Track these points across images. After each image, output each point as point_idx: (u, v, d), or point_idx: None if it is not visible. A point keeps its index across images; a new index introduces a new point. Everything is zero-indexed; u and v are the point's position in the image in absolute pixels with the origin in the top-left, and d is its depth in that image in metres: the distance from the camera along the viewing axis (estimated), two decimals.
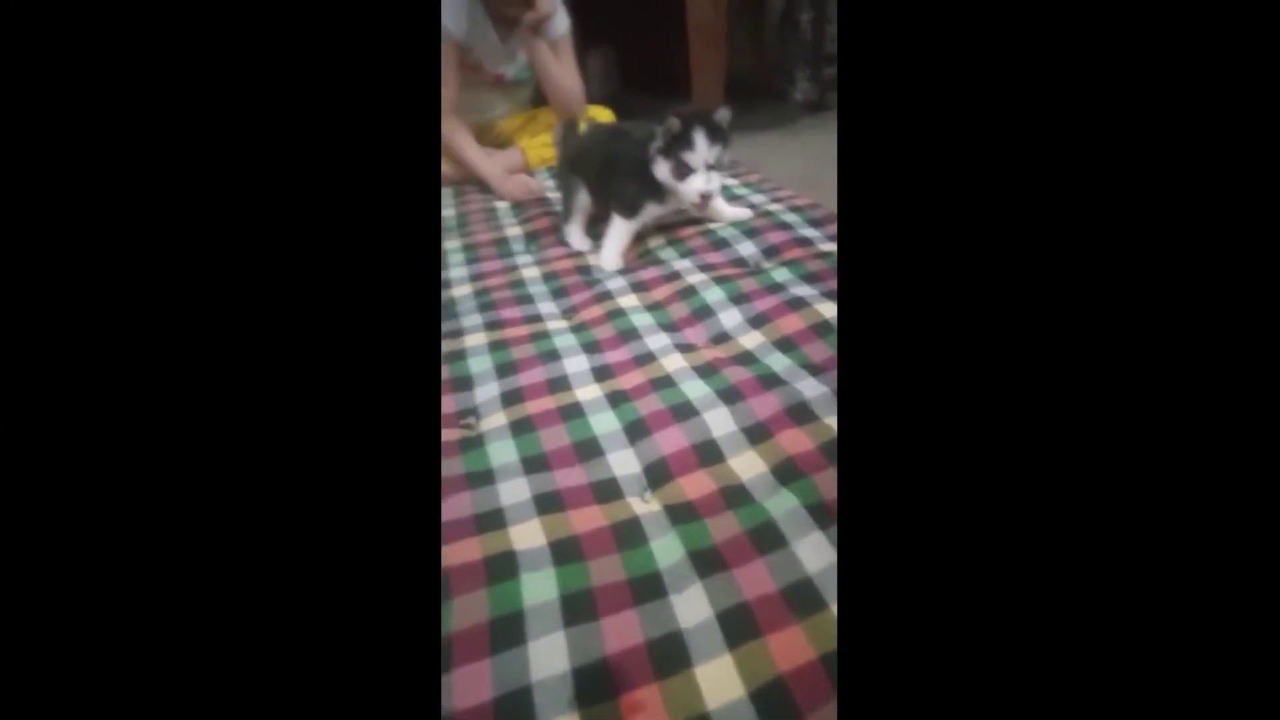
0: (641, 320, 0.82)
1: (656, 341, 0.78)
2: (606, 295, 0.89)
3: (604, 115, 1.52)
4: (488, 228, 1.19)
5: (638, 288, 0.90)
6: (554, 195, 1.20)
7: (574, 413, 0.67)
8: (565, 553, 0.52)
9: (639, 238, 1.05)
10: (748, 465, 0.59)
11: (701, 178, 0.91)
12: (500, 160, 1.43)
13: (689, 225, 1.06)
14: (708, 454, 0.61)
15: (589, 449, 0.63)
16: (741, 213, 1.06)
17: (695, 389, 0.68)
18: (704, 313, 0.82)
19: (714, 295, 0.85)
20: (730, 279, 0.87)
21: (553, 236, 1.12)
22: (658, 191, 0.96)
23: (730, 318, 0.80)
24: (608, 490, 0.59)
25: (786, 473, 0.58)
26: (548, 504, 0.57)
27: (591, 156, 1.05)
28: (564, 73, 1.43)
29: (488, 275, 1.01)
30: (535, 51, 1.37)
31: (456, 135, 1.36)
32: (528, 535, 0.54)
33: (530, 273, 1.00)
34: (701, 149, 0.89)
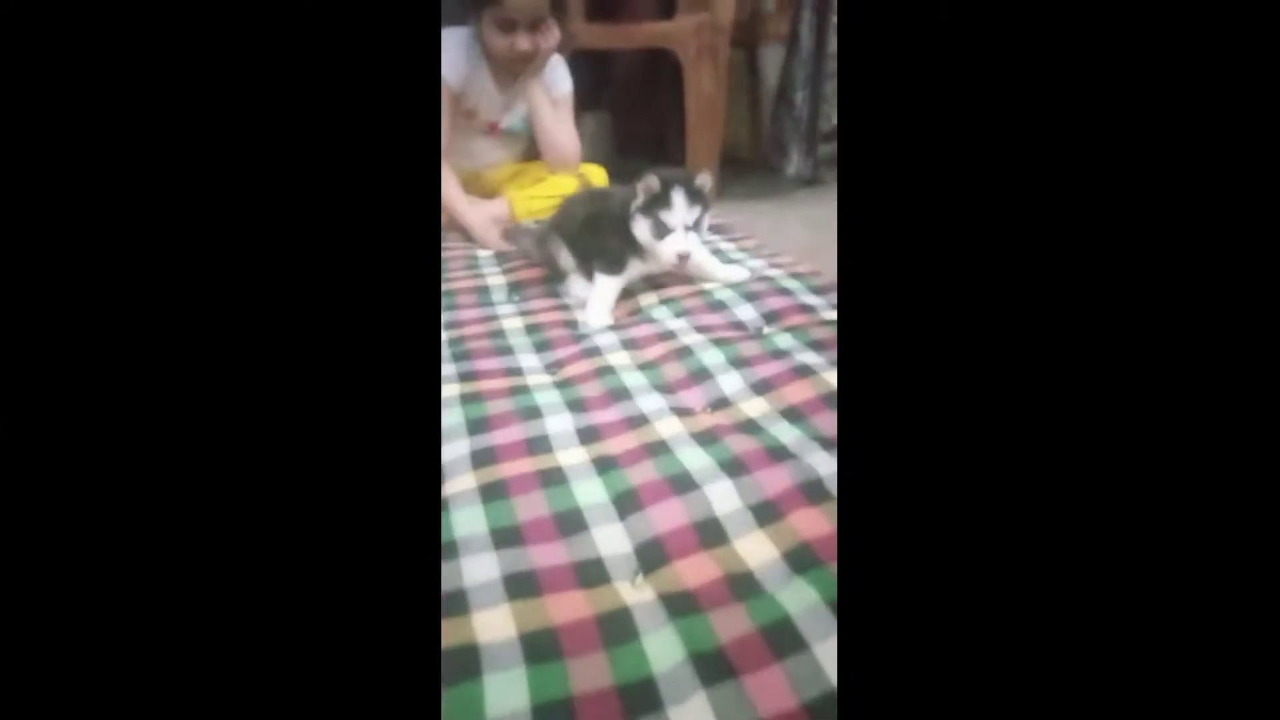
0: (633, 380, 0.75)
1: (650, 403, 0.70)
2: (594, 351, 0.82)
3: (597, 174, 1.50)
4: (467, 275, 1.13)
5: (629, 345, 0.84)
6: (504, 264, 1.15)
7: (555, 479, 0.59)
8: (540, 649, 0.43)
9: (629, 294, 1.00)
10: (756, 549, 0.51)
11: (680, 238, 0.89)
12: (485, 209, 1.38)
13: (683, 284, 1.01)
14: (710, 534, 0.52)
15: (572, 522, 0.54)
16: (737, 273, 1.02)
17: (694, 458, 0.60)
18: (702, 375, 0.76)
19: (712, 357, 0.78)
20: (729, 341, 0.81)
21: (538, 288, 1.05)
22: (639, 249, 0.94)
23: (731, 382, 0.74)
24: (593, 572, 0.50)
25: (801, 560, 0.50)
26: (521, 586, 0.48)
27: (572, 217, 1.04)
28: (561, 129, 1.41)
29: (464, 324, 0.94)
30: (535, 103, 1.35)
31: (443, 181, 1.32)
32: (495, 625, 0.45)
33: (511, 323, 0.93)
34: (680, 209, 0.88)
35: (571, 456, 0.62)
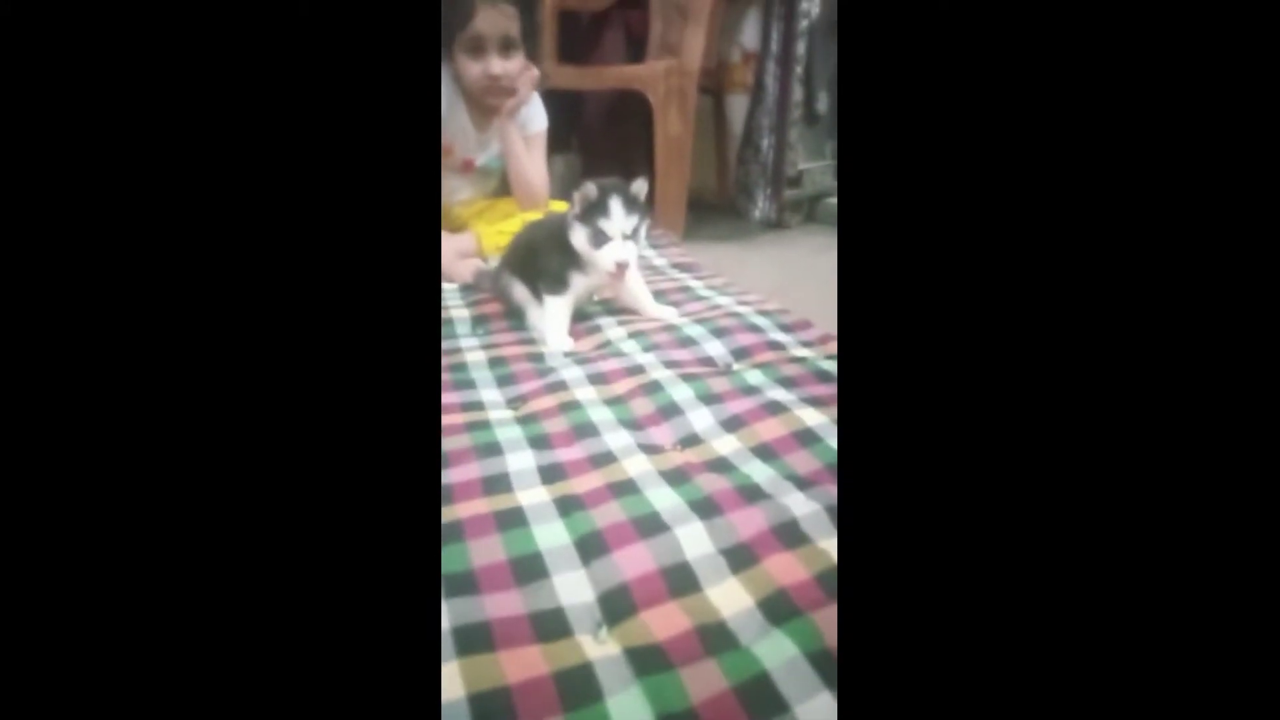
0: (600, 415, 0.72)
1: (617, 439, 0.67)
2: (560, 385, 0.79)
3: (564, 211, 1.49)
4: None
5: (596, 379, 0.80)
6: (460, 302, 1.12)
7: (514, 520, 0.55)
8: (491, 711, 0.38)
9: (596, 329, 0.97)
10: (730, 598, 0.48)
11: (618, 246, 0.88)
12: (453, 244, 1.35)
13: (650, 321, 0.99)
14: (680, 581, 0.49)
15: (530, 568, 0.50)
16: (669, 312, 1.01)
17: (663, 498, 0.57)
18: (671, 410, 0.73)
19: (682, 393, 0.75)
20: (698, 377, 0.79)
21: (503, 321, 1.02)
22: (580, 261, 0.93)
23: (701, 418, 0.71)
24: (552, 624, 0.45)
25: (779, 609, 0.46)
26: (472, 640, 0.43)
27: (518, 250, 1.04)
28: (533, 166, 1.41)
29: None
30: (509, 140, 1.34)
31: None
32: (444, 684, 0.40)
33: (474, 356, 0.90)
34: (618, 216, 0.87)
35: (532, 496, 0.58)
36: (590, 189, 0.87)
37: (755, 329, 0.94)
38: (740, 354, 0.88)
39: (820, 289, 1.40)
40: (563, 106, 1.86)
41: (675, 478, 0.60)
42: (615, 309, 1.05)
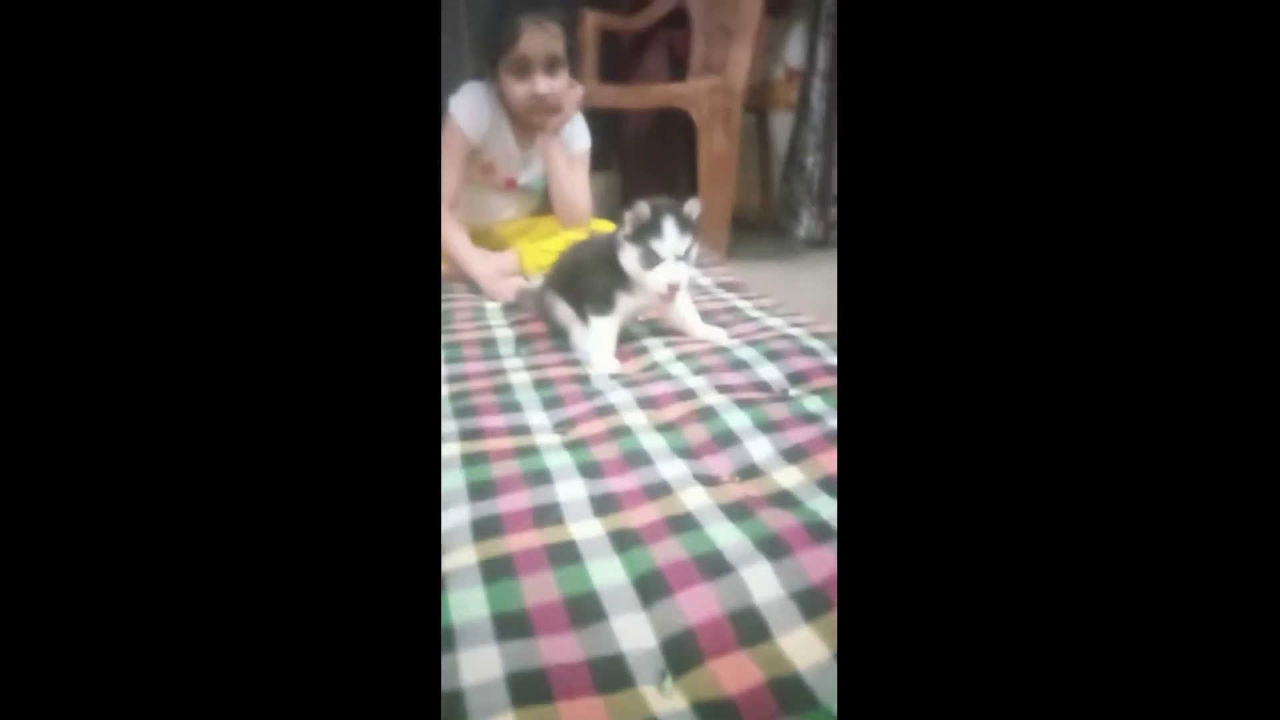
0: (652, 442, 0.69)
1: (671, 469, 0.64)
2: (609, 409, 0.76)
3: (607, 230, 1.47)
4: (474, 326, 1.07)
5: (645, 404, 0.77)
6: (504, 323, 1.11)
7: (568, 555, 0.52)
8: None
9: (642, 350, 0.94)
10: (805, 648, 0.44)
11: (670, 267, 0.86)
12: (494, 261, 1.35)
13: (699, 343, 0.96)
14: (749, 628, 0.45)
15: (587, 609, 0.47)
16: (716, 333, 0.98)
17: (726, 534, 0.53)
18: (727, 439, 0.69)
19: (738, 420, 0.72)
20: (754, 403, 0.75)
21: (547, 341, 1.00)
22: (627, 282, 0.91)
23: (760, 448, 0.67)
24: (613, 673, 0.42)
25: None
26: (528, 689, 0.40)
27: (561, 268, 1.02)
28: (575, 185, 1.40)
29: (470, 377, 0.88)
30: (552, 158, 1.34)
31: (451, 232, 1.29)
32: None
33: (519, 378, 0.87)
34: (671, 237, 0.85)
35: (586, 529, 0.55)
36: (643, 209, 0.85)
37: (811, 353, 0.90)
38: (796, 379, 0.84)
39: None
40: (604, 125, 1.86)
41: (737, 512, 0.56)
42: (661, 330, 1.03)
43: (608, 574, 0.50)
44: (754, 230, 2.06)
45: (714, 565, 0.50)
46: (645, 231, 0.85)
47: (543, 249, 1.38)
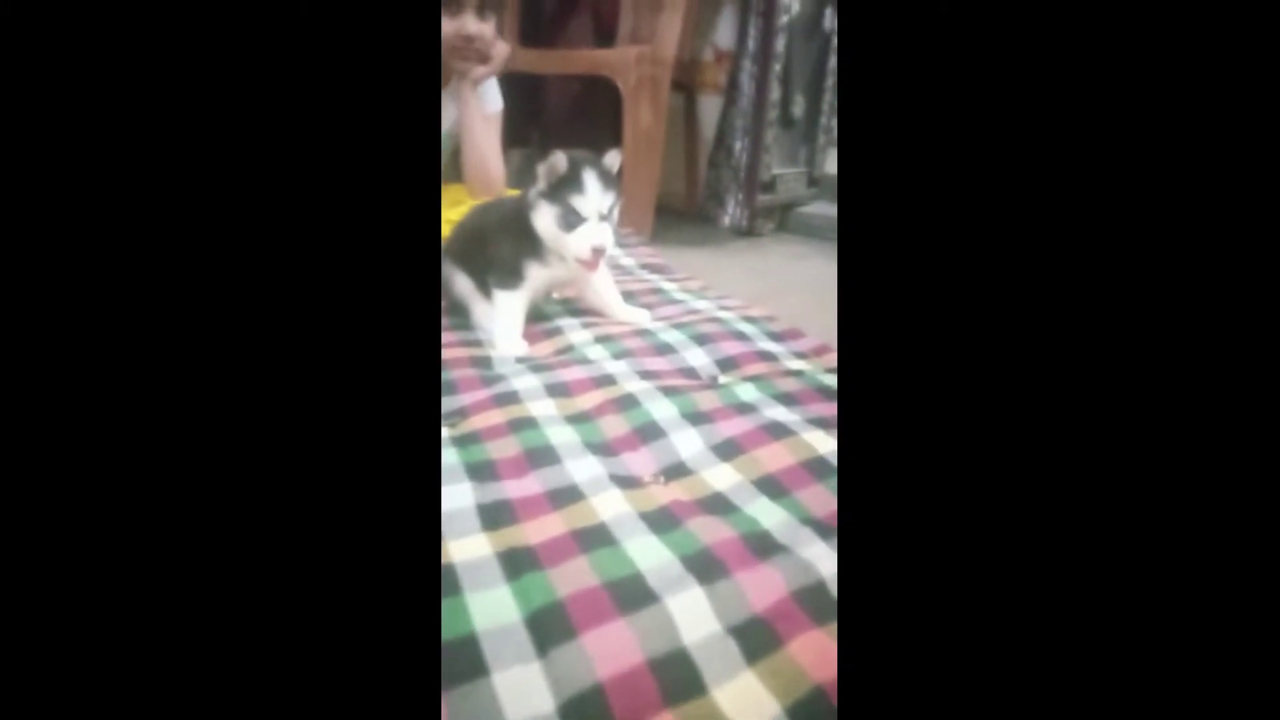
0: (561, 435, 0.57)
1: (584, 469, 0.52)
2: (510, 397, 0.64)
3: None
4: None
5: (556, 391, 0.66)
6: None
7: (445, 584, 0.39)
8: None
9: (557, 331, 0.83)
10: (748, 700, 0.33)
11: (594, 228, 0.73)
12: None
13: (620, 325, 0.85)
14: (678, 678, 0.34)
15: (464, 660, 0.35)
16: (639, 314, 0.88)
17: (648, 551, 0.42)
18: (650, 432, 0.58)
19: (662, 409, 0.61)
20: (681, 391, 0.65)
21: (444, 319, 0.86)
22: (539, 251, 0.78)
23: (688, 442, 0.57)
24: None
25: (814, 714, 0.33)
26: None
27: (462, 236, 0.88)
28: (491, 147, 1.25)
29: None
30: (468, 114, 1.18)
31: None
32: None
33: None
34: (593, 192, 0.72)
35: (469, 548, 0.42)
36: (560, 160, 0.73)
37: (741, 336, 0.81)
38: (727, 365, 0.74)
39: (803, 299, 1.29)
40: (523, 94, 1.72)
41: (661, 522, 0.46)
42: (578, 310, 0.91)
43: (493, 609, 0.38)
44: (678, 218, 1.97)
45: (633, 594, 0.39)
46: (563, 187, 0.73)
47: (447, 220, 1.23)
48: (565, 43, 1.88)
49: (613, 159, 0.76)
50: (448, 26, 1.13)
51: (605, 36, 1.91)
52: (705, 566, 0.41)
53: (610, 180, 0.74)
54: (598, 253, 0.74)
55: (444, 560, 0.41)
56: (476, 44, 1.14)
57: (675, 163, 2.04)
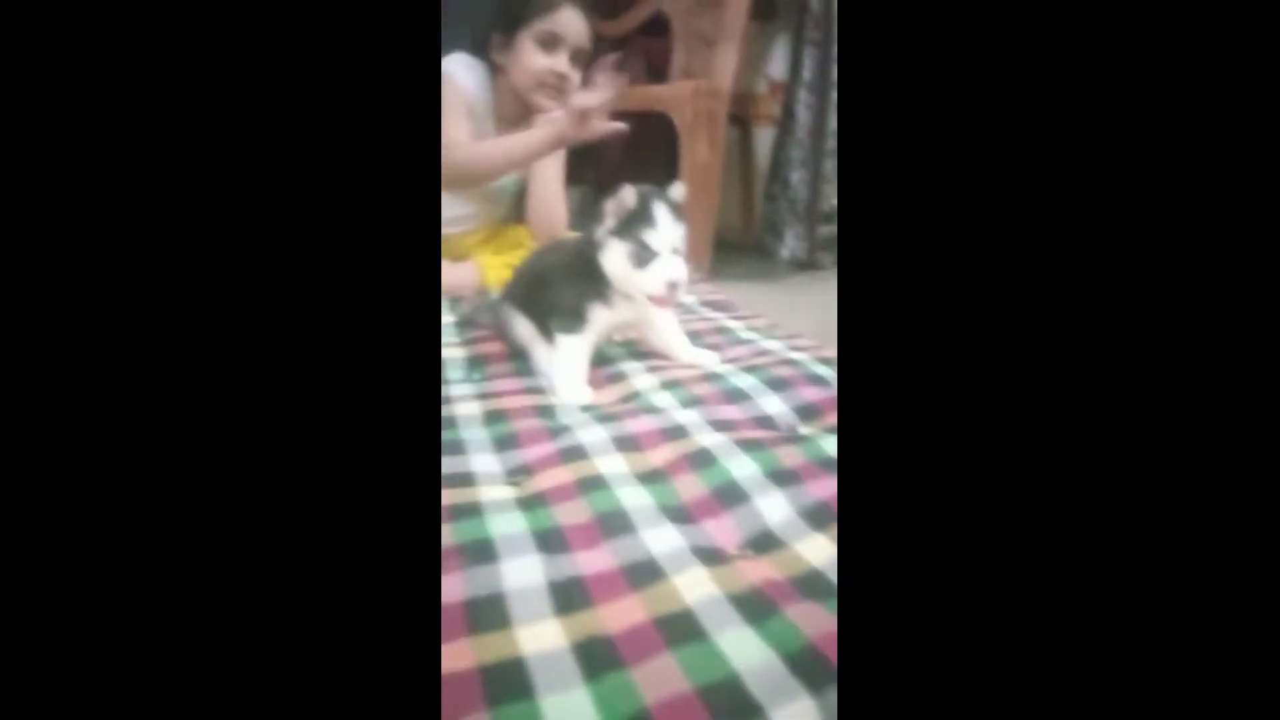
0: (634, 498, 0.52)
1: (661, 539, 0.47)
2: (578, 452, 0.60)
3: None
4: None
5: (625, 445, 0.61)
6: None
7: (510, 681, 0.35)
8: None
9: (619, 376, 0.79)
10: None
11: (668, 262, 0.70)
12: (451, 275, 1.18)
13: (686, 368, 0.80)
14: None
15: None
16: (707, 356, 0.83)
17: (745, 647, 0.37)
18: (730, 494, 0.53)
19: (742, 467, 0.56)
20: (760, 444, 0.60)
21: (506, 364, 0.83)
22: (603, 292, 0.75)
23: (774, 506, 0.51)
24: None
25: None
26: None
27: (524, 278, 0.86)
28: (558, 189, 1.25)
29: None
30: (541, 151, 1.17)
31: None
32: None
33: (466, 409, 0.71)
34: (665, 226, 0.69)
35: (541, 636, 0.38)
36: (629, 195, 0.70)
37: (819, 381, 0.75)
38: (807, 413, 0.69)
39: None
40: None
41: (755, 608, 0.40)
42: (641, 352, 0.87)
43: (569, 712, 0.33)
44: (735, 251, 1.93)
45: (731, 706, 0.33)
46: (633, 223, 0.70)
47: (508, 263, 1.22)
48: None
49: (678, 191, 0.73)
50: (541, 61, 1.14)
51: (657, 74, 1.91)
52: (811, 669, 0.35)
53: (679, 212, 0.71)
54: (673, 288, 0.70)
55: (513, 653, 0.36)
56: (564, 84, 1.15)
57: (729, 195, 2.01)
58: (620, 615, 0.39)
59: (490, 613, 0.39)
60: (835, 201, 1.75)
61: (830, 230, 1.77)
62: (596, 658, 0.36)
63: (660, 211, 0.69)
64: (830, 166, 1.69)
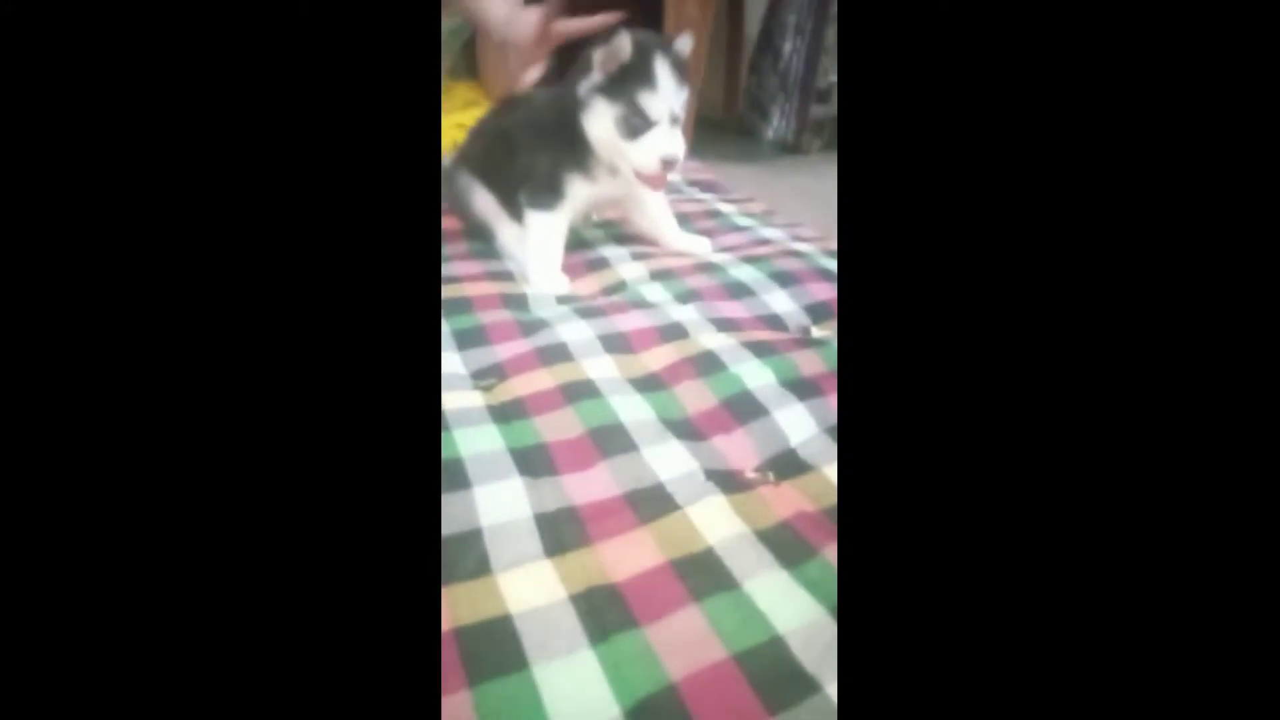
0: (631, 409, 0.44)
1: (668, 459, 0.39)
2: (559, 352, 0.51)
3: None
4: None
5: (614, 345, 0.52)
6: None
7: (499, 660, 0.27)
8: None
9: (602, 262, 0.68)
10: None
11: (665, 134, 0.57)
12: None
13: (677, 257, 0.70)
14: None
15: None
16: (699, 243, 0.73)
17: (783, 599, 0.30)
18: (745, 406, 0.45)
19: (755, 375, 0.48)
20: (772, 348, 0.52)
21: (462, 245, 0.72)
22: (583, 162, 0.62)
23: (796, 422, 0.44)
24: None
25: None
26: None
27: (484, 141, 0.71)
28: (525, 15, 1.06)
29: None
30: None
31: None
32: None
33: None
34: (666, 88, 0.56)
35: (531, 585, 0.30)
36: (624, 43, 0.56)
37: (831, 277, 0.67)
38: (818, 313, 0.61)
39: None
40: None
41: (789, 549, 0.33)
42: (623, 236, 0.76)
43: (578, 694, 0.26)
44: (715, 129, 1.77)
45: (777, 676, 0.27)
46: (627, 80, 0.56)
47: (460, 124, 1.06)
48: None
49: (685, 44, 0.60)
50: None
51: None
52: None
53: (684, 72, 0.58)
54: (668, 165, 0.58)
55: (497, 609, 0.29)
56: None
57: (712, 66, 1.81)
58: (627, 557, 0.32)
59: (464, 555, 0.31)
60: (834, 78, 1.58)
61: (824, 111, 1.62)
62: (605, 615, 0.29)
63: (662, 69, 0.56)
64: (831, 34, 1.52)
